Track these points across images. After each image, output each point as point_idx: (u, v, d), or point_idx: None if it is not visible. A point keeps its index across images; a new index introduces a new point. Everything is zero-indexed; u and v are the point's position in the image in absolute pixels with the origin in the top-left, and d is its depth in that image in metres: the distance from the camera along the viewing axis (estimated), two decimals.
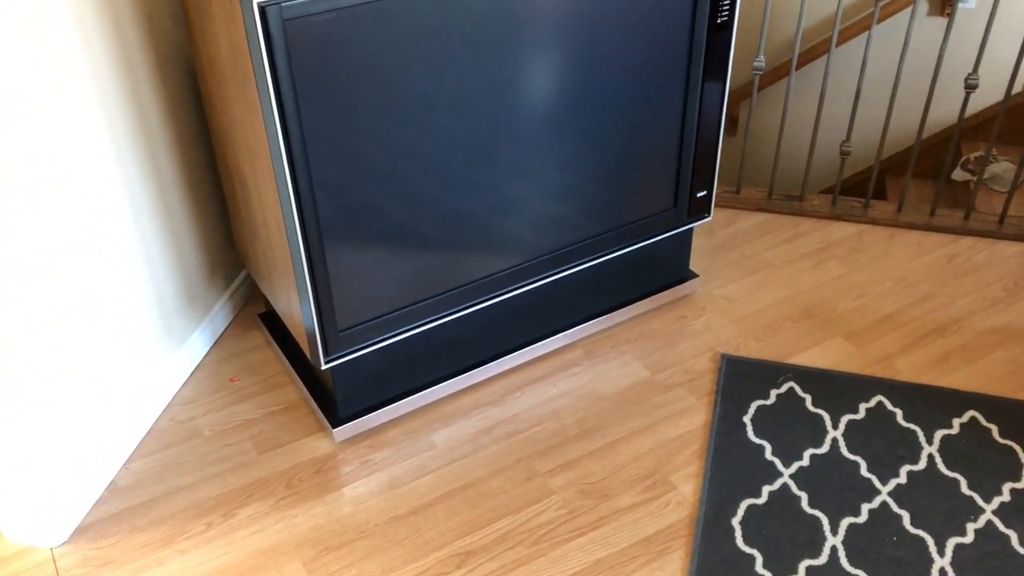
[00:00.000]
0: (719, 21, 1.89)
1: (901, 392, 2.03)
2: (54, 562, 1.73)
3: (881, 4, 2.37)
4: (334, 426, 1.93)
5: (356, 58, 1.53)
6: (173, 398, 2.08)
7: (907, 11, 3.30)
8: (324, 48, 1.49)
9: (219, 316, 2.24)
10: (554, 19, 1.70)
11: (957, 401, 2.01)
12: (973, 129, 3.45)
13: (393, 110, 1.61)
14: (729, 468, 1.86)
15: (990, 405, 1.99)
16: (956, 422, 1.96)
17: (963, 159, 3.37)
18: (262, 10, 1.40)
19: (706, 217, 2.19)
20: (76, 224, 1.71)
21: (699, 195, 2.14)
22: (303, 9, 1.44)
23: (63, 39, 1.62)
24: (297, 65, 1.48)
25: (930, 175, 3.54)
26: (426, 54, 1.59)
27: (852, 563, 1.67)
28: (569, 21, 1.71)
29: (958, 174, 3.35)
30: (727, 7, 1.88)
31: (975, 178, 3.27)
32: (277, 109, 1.50)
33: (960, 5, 3.25)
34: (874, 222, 2.62)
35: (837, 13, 2.39)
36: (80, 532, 1.78)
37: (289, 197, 1.60)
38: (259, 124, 1.58)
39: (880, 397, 2.02)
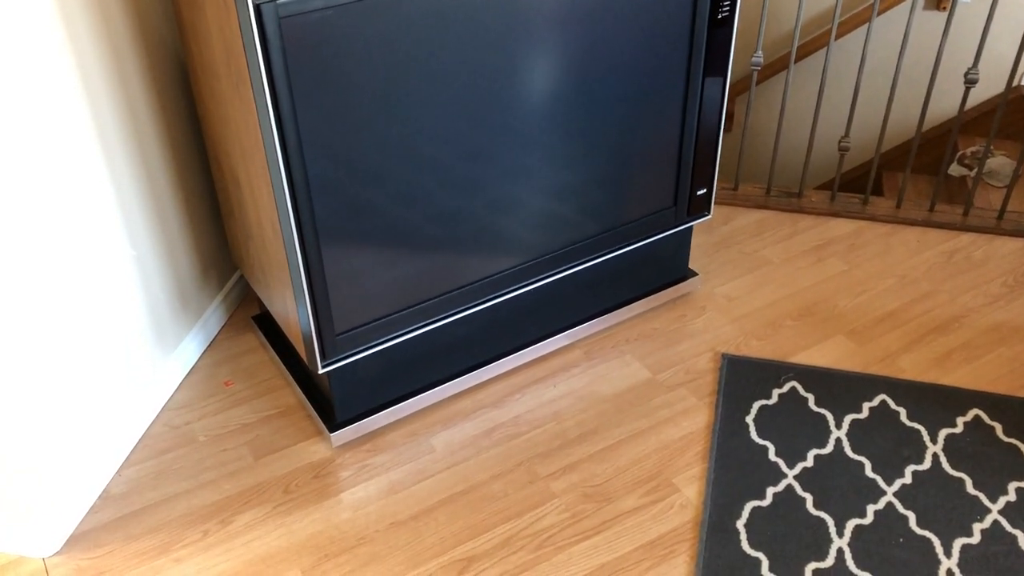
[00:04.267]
0: (720, 16, 1.86)
1: (904, 391, 2.01)
2: (47, 573, 1.70)
3: None
4: (332, 430, 1.90)
5: (353, 56, 1.50)
6: (167, 403, 2.04)
7: (900, 6, 3.29)
8: (320, 46, 1.46)
9: (212, 319, 2.21)
10: (552, 16, 1.67)
11: (960, 399, 1.99)
12: (967, 123, 3.44)
13: (391, 108, 1.58)
14: (733, 470, 1.84)
15: (993, 403, 1.98)
16: (960, 421, 1.94)
17: (959, 154, 3.36)
18: (257, 8, 1.37)
19: (706, 215, 2.16)
20: (64, 227, 1.68)
21: (699, 193, 2.11)
22: (299, 7, 1.40)
23: (49, 37, 1.58)
24: (293, 63, 1.45)
25: (925, 170, 3.53)
26: (424, 51, 1.56)
27: (859, 565, 1.66)
28: (568, 17, 1.68)
29: (954, 169, 3.34)
30: (728, 2, 1.85)
31: (972, 173, 3.26)
32: (272, 108, 1.47)
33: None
34: (873, 218, 2.60)
35: (836, 6, 2.37)
36: (73, 541, 1.75)
37: (284, 198, 1.56)
38: (253, 123, 1.54)
39: (883, 396, 2.00)
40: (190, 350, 2.12)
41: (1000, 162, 3.22)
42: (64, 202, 1.66)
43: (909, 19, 2.33)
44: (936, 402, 1.99)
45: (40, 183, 1.59)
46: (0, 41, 1.47)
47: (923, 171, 3.52)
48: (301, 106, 1.50)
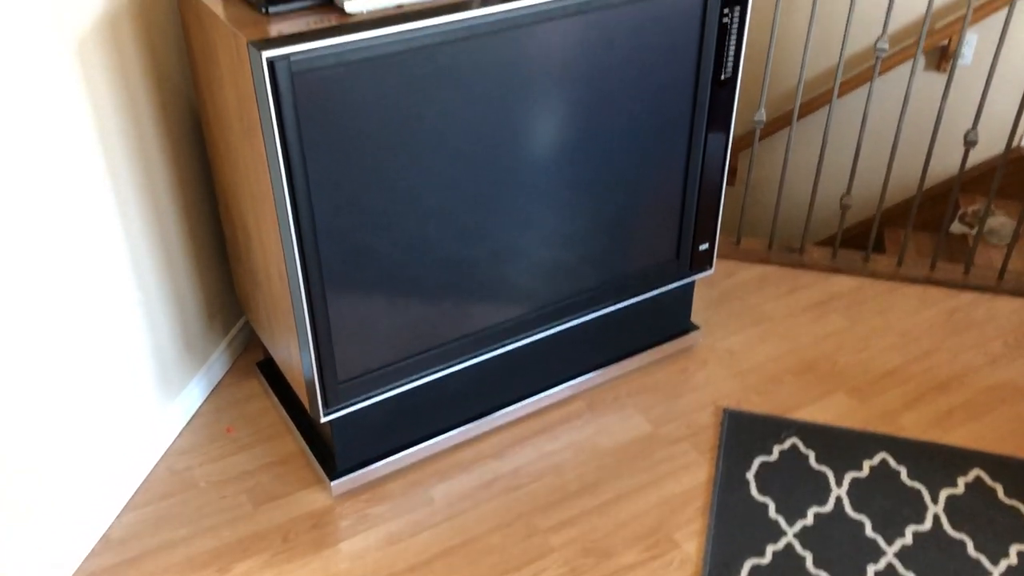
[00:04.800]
0: (723, 78, 1.90)
1: (905, 449, 2.01)
2: None
3: (882, 57, 2.39)
4: (332, 479, 1.90)
5: (363, 110, 1.53)
6: (169, 447, 2.04)
7: (901, 67, 3.34)
8: (331, 100, 1.49)
9: (216, 364, 2.22)
10: (560, 74, 1.70)
11: (961, 459, 1.99)
12: (968, 182, 3.47)
13: (399, 162, 1.61)
14: (733, 526, 1.84)
15: (995, 463, 1.98)
16: (961, 481, 1.94)
17: (960, 212, 3.38)
18: (271, 63, 1.41)
19: (708, 270, 2.18)
20: (75, 269, 1.70)
21: (701, 248, 2.13)
22: (311, 63, 1.44)
23: (68, 86, 1.61)
24: (304, 117, 1.48)
25: (926, 227, 3.55)
26: (432, 107, 1.59)
27: None
28: (573, 76, 1.72)
29: (955, 227, 3.36)
30: (731, 64, 1.89)
31: (973, 231, 3.28)
32: (283, 159, 1.50)
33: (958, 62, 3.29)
34: (874, 275, 2.62)
35: (838, 66, 2.41)
36: None
37: (292, 246, 1.59)
38: (264, 173, 1.57)
39: (884, 454, 2.00)
40: (194, 395, 2.13)
41: (1000, 221, 3.25)
42: (75, 244, 1.68)
43: (910, 80, 2.37)
44: (937, 461, 1.98)
45: (51, 225, 1.62)
46: (17, 87, 1.50)
47: (924, 228, 3.54)
48: (311, 158, 1.52)
